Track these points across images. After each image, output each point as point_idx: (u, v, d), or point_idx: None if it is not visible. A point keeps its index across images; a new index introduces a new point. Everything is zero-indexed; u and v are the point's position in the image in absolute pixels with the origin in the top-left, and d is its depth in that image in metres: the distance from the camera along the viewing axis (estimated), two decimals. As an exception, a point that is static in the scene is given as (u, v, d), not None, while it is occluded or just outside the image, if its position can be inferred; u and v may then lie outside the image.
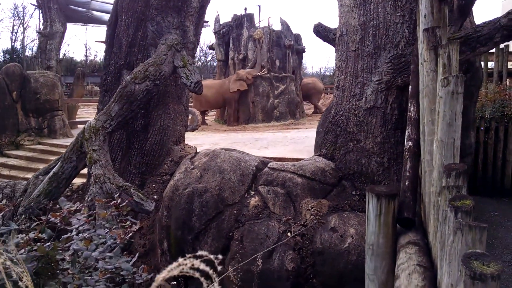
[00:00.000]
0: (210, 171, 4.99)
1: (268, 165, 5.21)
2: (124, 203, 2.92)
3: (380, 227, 2.84)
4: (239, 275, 4.35)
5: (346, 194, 4.99)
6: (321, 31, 6.14)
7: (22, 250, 1.90)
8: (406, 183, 3.08)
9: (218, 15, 22.03)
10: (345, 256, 4.28)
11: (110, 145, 5.30)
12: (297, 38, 22.20)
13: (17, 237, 1.99)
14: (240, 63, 20.31)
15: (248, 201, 4.82)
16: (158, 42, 5.24)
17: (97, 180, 4.14)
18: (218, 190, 4.82)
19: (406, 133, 3.58)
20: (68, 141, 10.58)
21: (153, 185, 5.44)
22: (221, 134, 16.85)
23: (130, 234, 2.31)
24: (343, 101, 5.38)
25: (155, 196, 5.29)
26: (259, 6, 23.80)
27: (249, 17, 20.90)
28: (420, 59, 2.91)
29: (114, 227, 2.67)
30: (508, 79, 9.80)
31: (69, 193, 5.61)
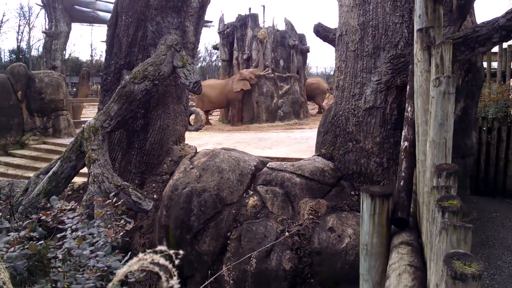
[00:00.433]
0: (209, 170, 5.00)
1: (267, 165, 5.21)
2: (119, 202, 2.93)
3: (374, 227, 2.84)
4: (235, 275, 4.36)
5: (345, 194, 4.99)
6: (321, 31, 6.14)
7: (13, 248, 1.92)
8: (401, 183, 3.07)
9: (223, 15, 22.04)
10: (343, 256, 4.28)
11: (110, 145, 5.33)
12: (302, 38, 22.16)
13: (9, 235, 2.02)
14: (244, 63, 20.32)
15: (246, 200, 4.83)
16: (158, 42, 5.26)
17: (95, 180, 4.17)
18: (217, 189, 4.83)
19: (403, 133, 3.57)
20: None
21: (153, 185, 5.46)
22: (224, 134, 16.87)
23: (122, 233, 2.33)
24: (343, 101, 5.37)
25: (155, 196, 5.31)
26: (264, 6, 23.76)
27: (254, 17, 20.89)
28: (415, 59, 2.90)
29: (109, 226, 2.68)
30: (511, 79, 9.73)
31: (70, 192, 5.65)
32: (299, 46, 21.31)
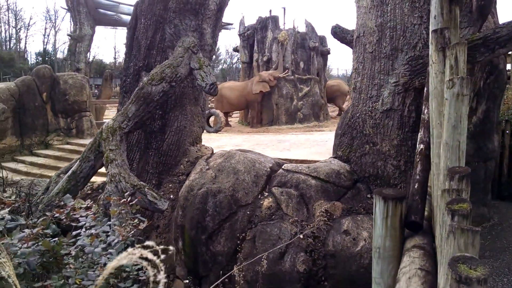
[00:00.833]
0: (224, 171, 5.03)
1: (283, 167, 5.21)
2: (133, 202, 2.99)
3: (386, 230, 2.81)
4: (248, 275, 4.37)
5: (361, 197, 4.94)
6: (339, 33, 6.11)
7: (28, 244, 1.98)
8: (416, 186, 3.03)
9: (243, 17, 22.14)
10: (358, 260, 4.24)
11: (128, 145, 5.42)
12: (322, 40, 22.05)
13: (23, 232, 2.08)
14: (264, 65, 20.34)
15: (261, 202, 4.84)
16: (176, 45, 5.34)
17: (112, 179, 4.25)
18: (232, 190, 4.86)
19: (419, 136, 3.53)
20: (93, 141, 10.87)
21: (170, 185, 5.53)
22: (244, 135, 16.92)
23: (133, 231, 2.37)
24: (360, 103, 5.33)
25: (171, 196, 5.38)
26: (284, 8, 23.78)
27: (274, 19, 20.90)
28: (429, 61, 2.86)
29: (123, 224, 2.74)
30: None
31: (89, 192, 5.77)
32: (320, 48, 21.20)
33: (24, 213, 3.62)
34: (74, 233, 2.39)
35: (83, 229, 2.46)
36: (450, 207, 1.77)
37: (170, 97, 5.36)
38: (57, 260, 2.10)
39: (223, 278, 3.59)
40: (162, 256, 1.12)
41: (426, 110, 3.59)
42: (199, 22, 5.57)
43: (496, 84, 5.94)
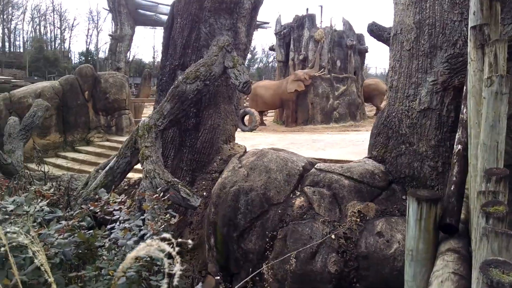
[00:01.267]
0: (256, 170, 5.05)
1: (315, 166, 5.17)
2: (166, 197, 3.05)
3: (420, 232, 2.74)
4: (279, 274, 4.37)
5: (396, 198, 4.83)
6: (375, 30, 5.99)
7: (64, 235, 2.07)
8: (452, 188, 2.94)
9: (280, 16, 22.13)
10: (391, 262, 4.15)
11: (163, 143, 5.55)
12: (360, 38, 21.70)
13: (60, 223, 2.17)
14: (300, 64, 20.23)
15: (293, 201, 4.83)
16: (210, 44, 5.41)
17: (147, 175, 4.36)
18: (264, 189, 4.87)
19: (457, 136, 3.42)
20: (131, 139, 11.21)
21: (203, 182, 5.61)
22: (278, 134, 16.91)
23: (163, 226, 2.43)
24: (396, 102, 5.20)
25: (204, 193, 5.45)
26: (321, 7, 23.57)
27: (311, 18, 20.76)
28: (468, 58, 2.76)
29: (156, 219, 2.80)
30: None
31: (126, 187, 5.95)
32: (357, 46, 20.87)
33: (62, 206, 3.78)
34: (109, 226, 2.48)
35: (117, 223, 2.54)
36: (484, 210, 1.71)
37: (204, 96, 5.44)
38: (92, 251, 2.19)
39: (252, 274, 3.61)
40: (177, 249, 1.14)
41: (464, 110, 3.46)
42: (234, 21, 5.61)
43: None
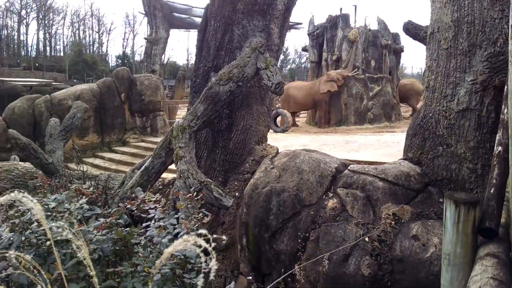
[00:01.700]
0: (288, 171, 5.04)
1: (349, 168, 5.11)
2: (198, 197, 3.10)
3: (457, 236, 2.66)
4: (311, 276, 4.34)
5: (432, 201, 4.70)
6: (411, 29, 5.86)
7: (102, 232, 2.15)
8: (492, 191, 2.83)
9: (313, 16, 22.01)
10: (427, 266, 4.04)
11: (197, 144, 5.63)
12: (395, 37, 21.26)
13: (99, 220, 2.25)
14: (334, 64, 20.04)
15: (325, 203, 4.79)
16: (243, 45, 5.45)
17: (181, 175, 4.45)
18: (296, 190, 4.85)
19: (497, 137, 3.29)
20: (166, 139, 11.48)
21: (235, 183, 5.66)
22: (311, 136, 16.81)
23: (197, 224, 2.47)
24: (433, 102, 5.07)
25: (237, 193, 5.49)
26: (355, 6, 23.23)
27: (344, 18, 20.52)
28: (509, 57, 2.65)
29: (189, 218, 2.85)
30: None
31: (160, 187, 6.07)
32: (393, 45, 20.46)
33: (100, 204, 3.90)
34: (144, 224, 2.54)
35: (152, 221, 2.61)
36: (527, 214, 1.64)
37: (237, 97, 5.48)
38: (128, 248, 2.25)
39: (284, 275, 3.61)
40: (213, 244, 1.16)
41: (505, 110, 3.34)
42: (267, 22, 5.64)
43: None
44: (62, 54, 64.44)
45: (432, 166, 4.94)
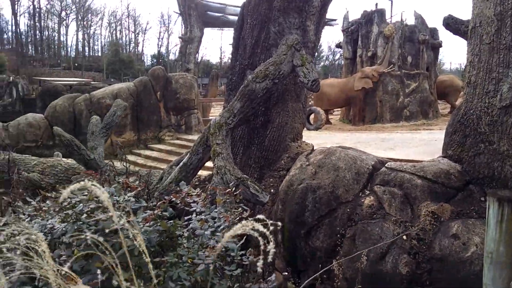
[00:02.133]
0: (324, 168, 5.04)
1: (386, 165, 5.05)
2: (237, 192, 3.17)
3: (501, 235, 2.62)
4: (348, 273, 4.34)
5: (473, 199, 4.59)
6: (452, 24, 5.72)
7: (149, 223, 2.25)
8: (538, 189, 2.75)
9: (347, 12, 21.73)
10: (467, 266, 3.96)
11: (232, 141, 5.72)
12: (433, 32, 20.67)
13: (146, 213, 2.36)
14: (369, 61, 19.73)
15: (362, 200, 4.76)
16: (279, 43, 5.48)
17: (218, 171, 4.54)
18: (332, 187, 4.85)
19: (544, 134, 3.18)
20: (201, 137, 11.67)
21: (270, 180, 5.71)
22: (344, 133, 16.65)
23: (238, 218, 2.54)
24: (474, 98, 4.94)
25: (272, 190, 5.54)
26: (391, 1, 22.80)
27: (380, 13, 20.15)
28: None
29: (228, 212, 2.93)
30: None
31: (197, 183, 6.20)
32: (430, 41, 19.89)
33: (143, 198, 4.05)
34: (186, 217, 2.64)
35: (194, 214, 2.69)
36: None
37: (272, 94, 5.53)
38: (172, 240, 2.34)
39: (322, 271, 3.63)
40: (271, 228, 1.21)
41: (553, 106, 3.22)
42: (303, 19, 5.65)
43: None
44: (99, 54, 66.57)
45: (473, 164, 4.81)
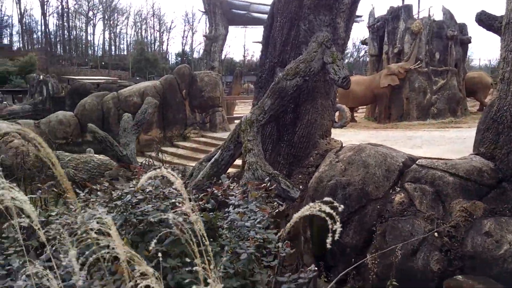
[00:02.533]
0: (354, 165, 5.07)
1: (417, 162, 5.04)
2: (272, 187, 3.25)
3: (539, 232, 2.60)
4: (378, 269, 4.36)
5: (507, 197, 4.54)
6: (485, 20, 5.64)
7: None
8: None
9: (373, 8, 21.47)
10: (500, 263, 3.93)
11: (262, 137, 5.80)
12: (462, 27, 20.20)
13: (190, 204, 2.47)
14: (395, 57, 19.44)
15: (392, 197, 4.77)
16: (309, 40, 5.53)
17: (250, 167, 4.63)
18: (362, 184, 4.87)
19: None
20: (226, 135, 11.81)
21: (299, 176, 5.76)
22: (370, 131, 16.51)
23: (276, 210, 2.62)
24: (508, 95, 4.87)
25: (301, 187, 5.59)
26: (418, -4, 22.38)
27: (407, 8, 19.84)
28: None
29: (263, 206, 3.02)
30: None
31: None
32: (459, 36, 19.46)
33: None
34: (226, 210, 2.74)
35: (231, 207, 2.79)
36: None
37: (303, 91, 5.58)
38: (213, 230, 2.44)
39: (355, 265, 3.68)
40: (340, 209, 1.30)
41: None
42: (333, 16, 5.67)
43: None
44: (125, 52, 67.80)
45: (507, 162, 4.75)
